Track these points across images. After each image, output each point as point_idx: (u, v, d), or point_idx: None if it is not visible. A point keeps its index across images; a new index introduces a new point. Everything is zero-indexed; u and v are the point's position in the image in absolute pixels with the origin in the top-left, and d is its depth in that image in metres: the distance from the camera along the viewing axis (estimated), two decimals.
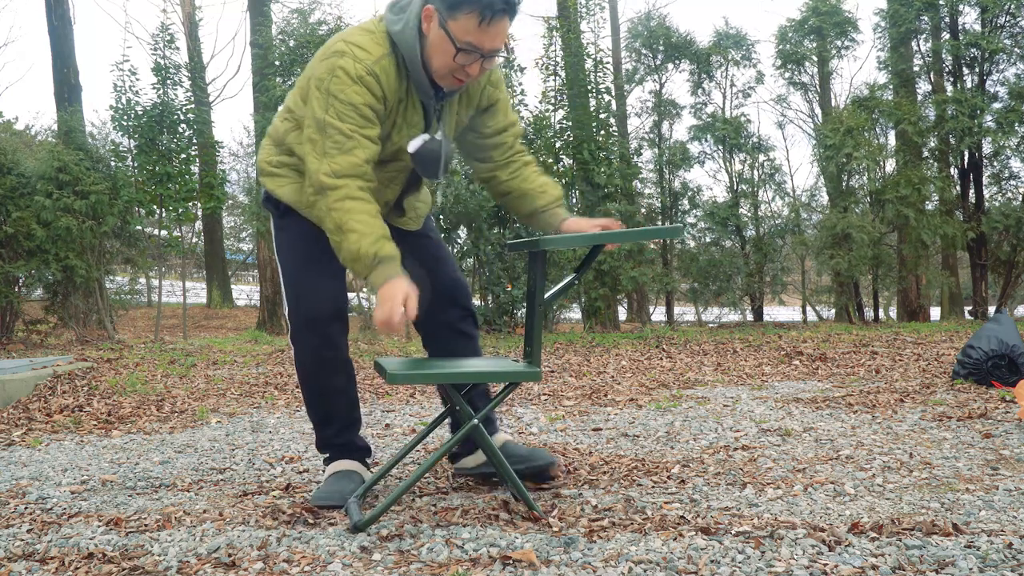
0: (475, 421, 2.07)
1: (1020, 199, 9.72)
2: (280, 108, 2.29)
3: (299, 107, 2.17)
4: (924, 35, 9.96)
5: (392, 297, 1.91)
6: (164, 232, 8.84)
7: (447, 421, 2.42)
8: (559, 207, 2.29)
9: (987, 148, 9.64)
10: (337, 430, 2.30)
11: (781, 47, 10.37)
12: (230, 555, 1.78)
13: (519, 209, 2.35)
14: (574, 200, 8.96)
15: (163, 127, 8.41)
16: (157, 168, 8.24)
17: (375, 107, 2.02)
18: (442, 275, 2.36)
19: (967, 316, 10.10)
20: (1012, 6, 9.23)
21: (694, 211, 9.80)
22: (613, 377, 5.05)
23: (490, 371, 2.08)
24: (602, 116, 9.10)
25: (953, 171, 9.90)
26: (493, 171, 2.33)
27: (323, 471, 2.36)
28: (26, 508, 2.25)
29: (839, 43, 10.34)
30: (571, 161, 8.97)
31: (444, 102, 2.15)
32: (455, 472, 2.46)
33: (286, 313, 2.26)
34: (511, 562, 1.69)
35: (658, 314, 11.57)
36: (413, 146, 2.12)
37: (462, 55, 1.97)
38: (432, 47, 2.00)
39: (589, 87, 9.13)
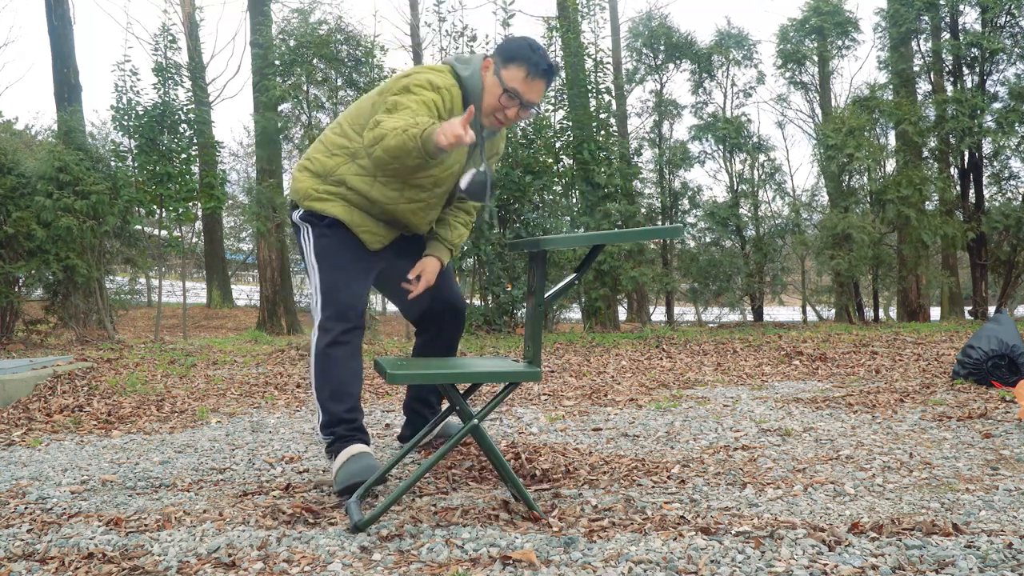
0: (475, 421, 2.07)
1: (1020, 199, 9.72)
2: (316, 148, 2.55)
3: (353, 137, 2.46)
4: (924, 35, 9.96)
5: (448, 124, 2.08)
6: (164, 232, 8.84)
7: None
8: (439, 243, 2.65)
9: (987, 148, 9.64)
10: (347, 408, 2.42)
11: (782, 47, 10.37)
12: (230, 555, 1.78)
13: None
14: (574, 200, 8.96)
15: (164, 127, 8.42)
16: (157, 168, 8.24)
17: (440, 115, 2.35)
18: (455, 294, 2.72)
19: (967, 316, 10.10)
20: (1012, 6, 9.23)
21: (694, 211, 9.80)
22: (613, 377, 5.05)
23: (490, 371, 2.08)
24: (602, 116, 9.10)
25: (953, 171, 9.90)
26: (451, 212, 2.71)
27: (329, 466, 2.40)
28: (26, 508, 2.25)
29: (840, 43, 10.34)
30: (571, 161, 8.97)
31: (485, 140, 2.52)
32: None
33: (316, 305, 2.47)
34: (511, 562, 1.69)
35: (658, 314, 11.57)
36: (464, 182, 2.34)
37: (506, 96, 2.39)
38: (486, 90, 2.43)
39: (589, 87, 9.13)
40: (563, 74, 9.11)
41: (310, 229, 2.50)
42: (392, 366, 2.04)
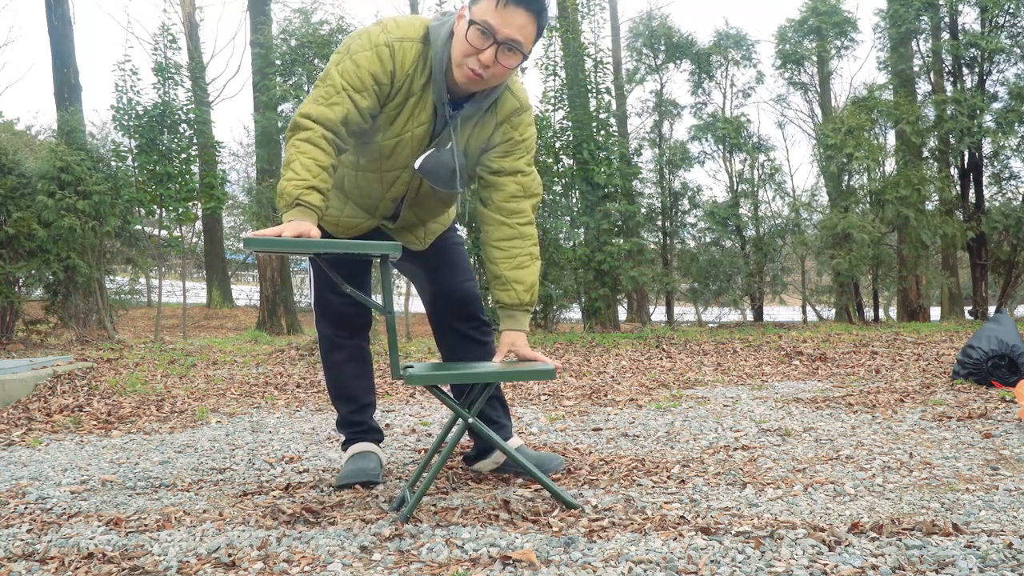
0: (470, 420, 2.09)
1: (1020, 199, 9.72)
2: None
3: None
4: (924, 35, 9.96)
5: (296, 225, 1.96)
6: (164, 232, 8.84)
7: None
8: (502, 312, 2.26)
9: (987, 148, 9.65)
10: (353, 409, 2.50)
11: (781, 47, 10.37)
12: (230, 555, 1.78)
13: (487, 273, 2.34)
14: (574, 200, 8.96)
15: (164, 127, 8.42)
16: (157, 168, 8.25)
17: (378, 78, 2.07)
18: (454, 283, 2.44)
19: (967, 316, 10.10)
20: (1012, 6, 9.23)
21: (694, 211, 9.80)
22: (613, 377, 5.05)
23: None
24: (602, 116, 9.11)
25: (953, 171, 9.90)
26: (487, 223, 2.30)
27: (340, 458, 2.54)
28: (26, 508, 2.25)
29: (839, 43, 10.34)
30: (571, 161, 8.97)
31: (459, 114, 2.15)
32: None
33: (315, 309, 2.45)
34: (511, 562, 1.69)
35: (658, 314, 11.57)
36: (417, 162, 2.16)
37: (474, 31, 1.98)
38: (455, 38, 2.05)
39: (589, 87, 9.13)
40: (563, 74, 9.10)
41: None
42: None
